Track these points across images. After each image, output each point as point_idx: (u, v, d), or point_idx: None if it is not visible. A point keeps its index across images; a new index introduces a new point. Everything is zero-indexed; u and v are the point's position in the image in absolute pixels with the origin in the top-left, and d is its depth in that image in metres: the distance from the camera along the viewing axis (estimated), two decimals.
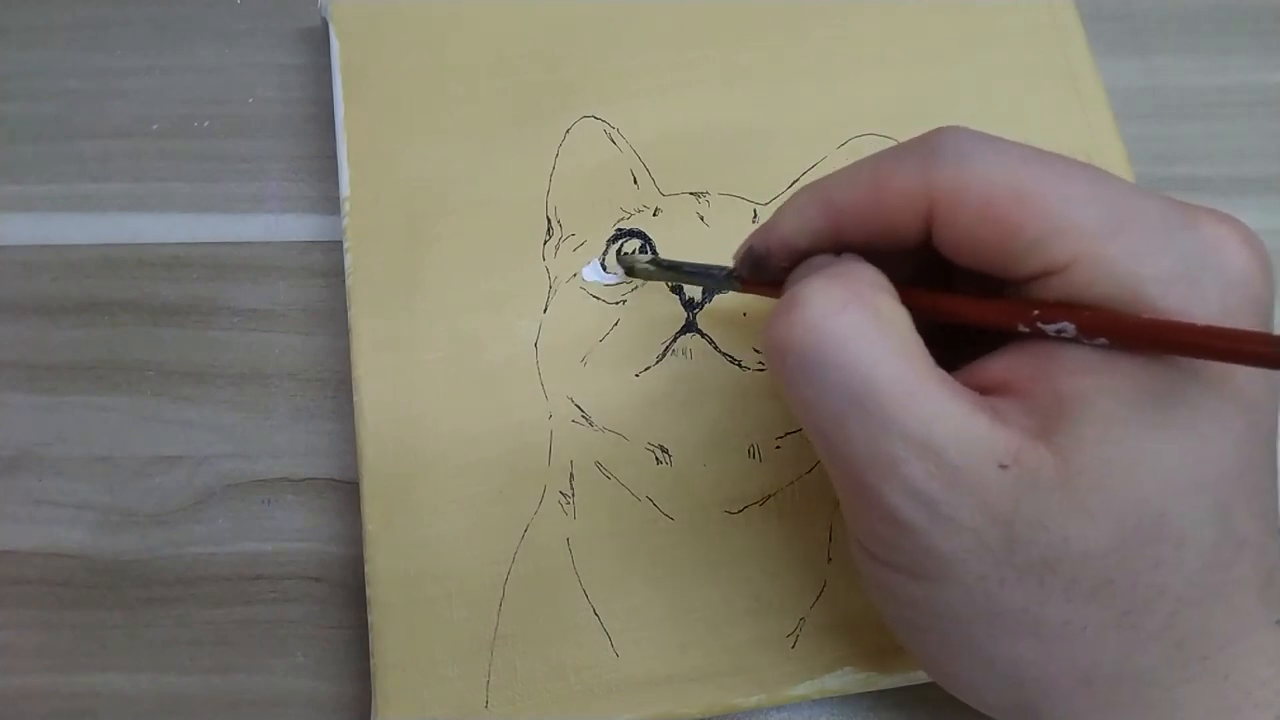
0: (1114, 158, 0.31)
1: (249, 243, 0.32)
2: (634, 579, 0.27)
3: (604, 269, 0.29)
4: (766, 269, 0.22)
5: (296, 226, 0.32)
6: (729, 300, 0.29)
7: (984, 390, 0.20)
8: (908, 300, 0.20)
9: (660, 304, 0.29)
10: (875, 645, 0.27)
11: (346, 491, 0.29)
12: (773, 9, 0.33)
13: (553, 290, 0.29)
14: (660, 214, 0.30)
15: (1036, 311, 0.18)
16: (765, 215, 0.30)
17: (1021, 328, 0.19)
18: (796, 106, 0.31)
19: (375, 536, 0.27)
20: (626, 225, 0.30)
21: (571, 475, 0.28)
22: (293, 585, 0.29)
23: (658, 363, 0.28)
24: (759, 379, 0.28)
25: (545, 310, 0.29)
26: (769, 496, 0.28)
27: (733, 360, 0.28)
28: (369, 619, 0.26)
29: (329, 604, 0.28)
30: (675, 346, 0.28)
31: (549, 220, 0.30)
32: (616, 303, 0.29)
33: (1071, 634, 0.18)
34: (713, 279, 0.25)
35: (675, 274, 0.27)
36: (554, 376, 0.28)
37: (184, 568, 0.29)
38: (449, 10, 0.32)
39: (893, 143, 0.30)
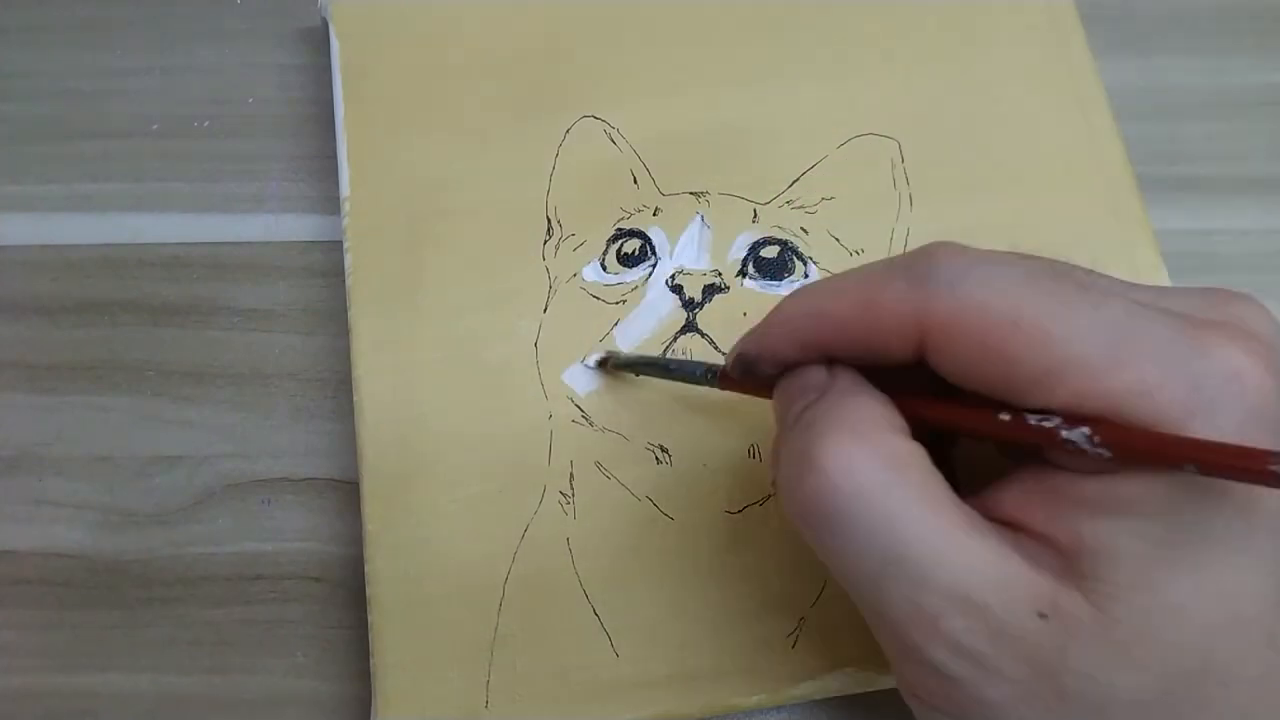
0: (1114, 158, 0.31)
1: (249, 243, 0.32)
2: (634, 579, 0.27)
3: (604, 269, 0.29)
4: (757, 375, 0.22)
5: (296, 226, 0.32)
6: (729, 300, 0.29)
7: (1001, 524, 0.19)
8: (912, 410, 0.20)
9: (660, 304, 0.29)
10: (875, 645, 0.26)
11: (346, 491, 0.29)
12: (773, 9, 0.33)
13: (553, 290, 0.29)
14: (660, 214, 0.30)
15: (1058, 421, 0.17)
16: (765, 215, 0.30)
17: (1003, 416, 0.18)
18: (796, 106, 0.31)
19: (375, 536, 0.27)
20: (626, 225, 0.30)
21: (571, 475, 0.28)
22: (293, 585, 0.29)
23: None
24: None
25: (545, 310, 0.29)
26: (769, 496, 0.28)
27: None
28: (369, 619, 0.26)
29: (329, 604, 0.28)
30: (675, 346, 0.28)
31: (549, 220, 0.30)
32: (616, 303, 0.29)
33: None
34: (695, 376, 0.25)
35: (658, 370, 0.27)
36: (554, 376, 0.28)
37: (184, 568, 0.29)
38: (449, 10, 0.32)
39: (893, 143, 0.31)
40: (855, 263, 0.29)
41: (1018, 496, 0.19)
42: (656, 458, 0.28)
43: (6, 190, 0.32)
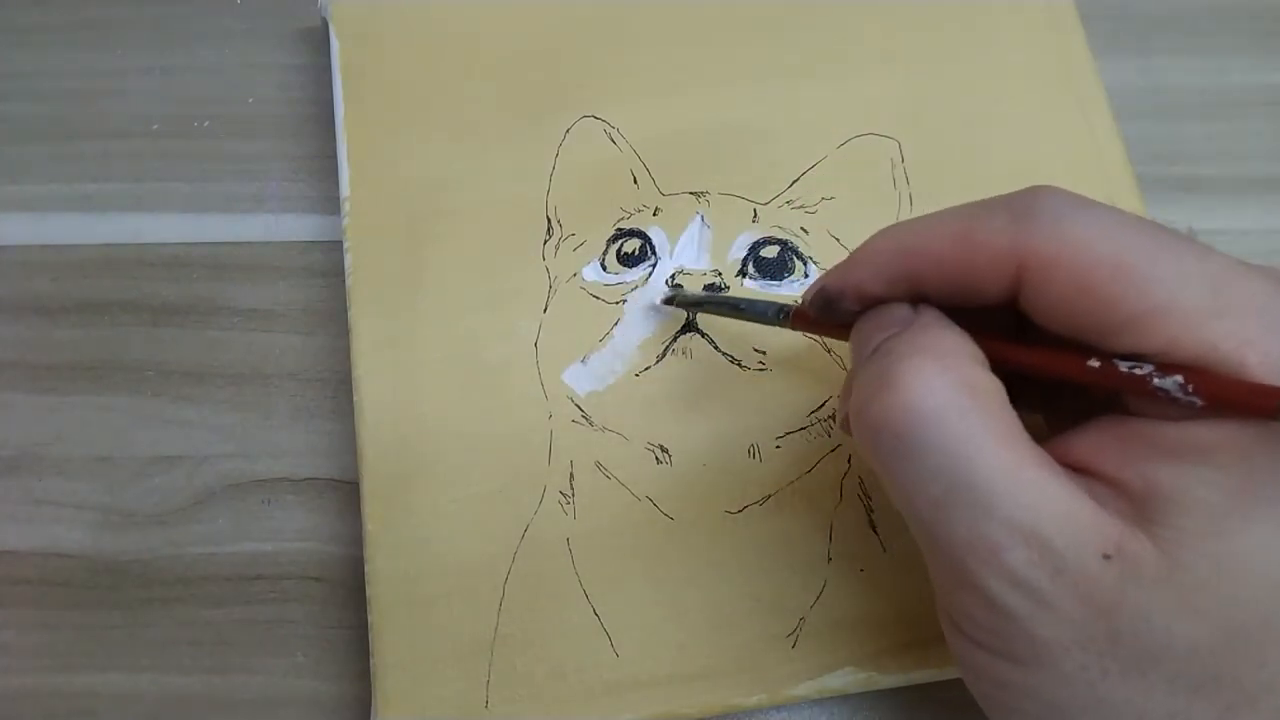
0: (1114, 158, 0.31)
1: (249, 243, 0.32)
2: (634, 579, 0.27)
3: (604, 269, 0.29)
4: (836, 312, 0.22)
5: (296, 226, 0.32)
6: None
7: (1075, 469, 0.19)
8: (995, 353, 0.20)
9: (660, 304, 0.29)
10: (875, 645, 0.27)
11: (346, 491, 0.29)
12: (773, 9, 0.33)
13: (553, 290, 0.29)
14: (660, 214, 0.30)
15: (1149, 369, 0.17)
16: (765, 215, 0.30)
17: (1092, 363, 0.18)
18: (796, 106, 0.31)
19: (375, 536, 0.27)
20: (626, 225, 0.30)
21: (571, 475, 0.28)
22: (293, 585, 0.29)
23: (658, 363, 0.28)
24: (759, 379, 0.28)
25: (545, 310, 0.29)
26: (769, 496, 0.28)
27: (733, 360, 0.28)
28: (369, 619, 0.26)
29: (329, 604, 0.28)
30: (675, 346, 0.28)
31: (549, 220, 0.30)
32: (616, 303, 0.29)
33: None
34: (766, 316, 0.25)
35: (728, 309, 0.27)
36: (554, 376, 0.28)
37: (184, 568, 0.29)
38: (449, 10, 0.32)
39: (893, 143, 0.31)
40: None
41: (1092, 442, 0.19)
42: (656, 458, 0.28)
43: (6, 190, 0.32)
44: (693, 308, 0.28)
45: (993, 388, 0.19)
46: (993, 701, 0.20)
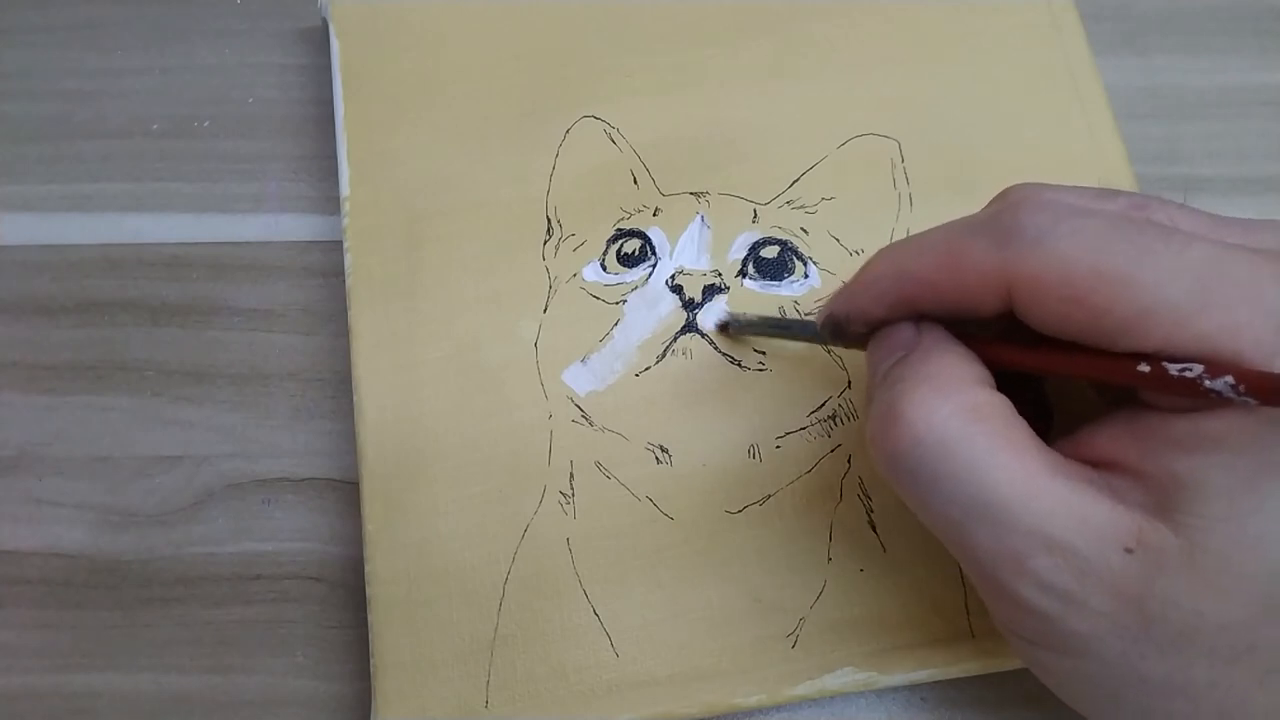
0: (1114, 158, 0.31)
1: (249, 243, 0.32)
2: (634, 579, 0.27)
3: (604, 269, 0.29)
4: (846, 335, 0.23)
5: (296, 226, 0.32)
6: (729, 300, 0.29)
7: (1094, 463, 0.20)
8: (1004, 358, 0.20)
9: (660, 304, 0.29)
10: (875, 645, 0.27)
11: (346, 491, 0.29)
12: (772, 9, 0.33)
13: (553, 290, 0.29)
14: (660, 214, 0.30)
15: (1199, 371, 0.18)
16: (765, 215, 0.30)
17: (1142, 367, 0.18)
18: (796, 106, 0.31)
19: (375, 536, 0.27)
20: (626, 225, 0.30)
21: (571, 475, 0.28)
22: (293, 585, 0.29)
23: (658, 363, 0.28)
24: (759, 379, 0.28)
25: (545, 310, 0.29)
26: (769, 496, 0.28)
27: (733, 360, 0.28)
28: (369, 619, 0.26)
29: (329, 604, 0.28)
30: (675, 346, 0.28)
31: (549, 220, 0.30)
32: (616, 303, 0.29)
33: (1219, 692, 0.19)
34: (815, 336, 0.26)
35: (780, 332, 0.28)
36: (554, 376, 0.28)
37: (184, 568, 0.29)
38: (449, 10, 0.32)
39: (893, 143, 0.31)
40: (855, 263, 0.29)
41: (1112, 436, 0.20)
42: (656, 458, 0.28)
43: (6, 190, 0.32)
44: (745, 333, 0.28)
45: (997, 405, 0.20)
46: (1055, 685, 0.22)
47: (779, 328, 0.28)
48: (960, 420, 0.19)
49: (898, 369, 0.21)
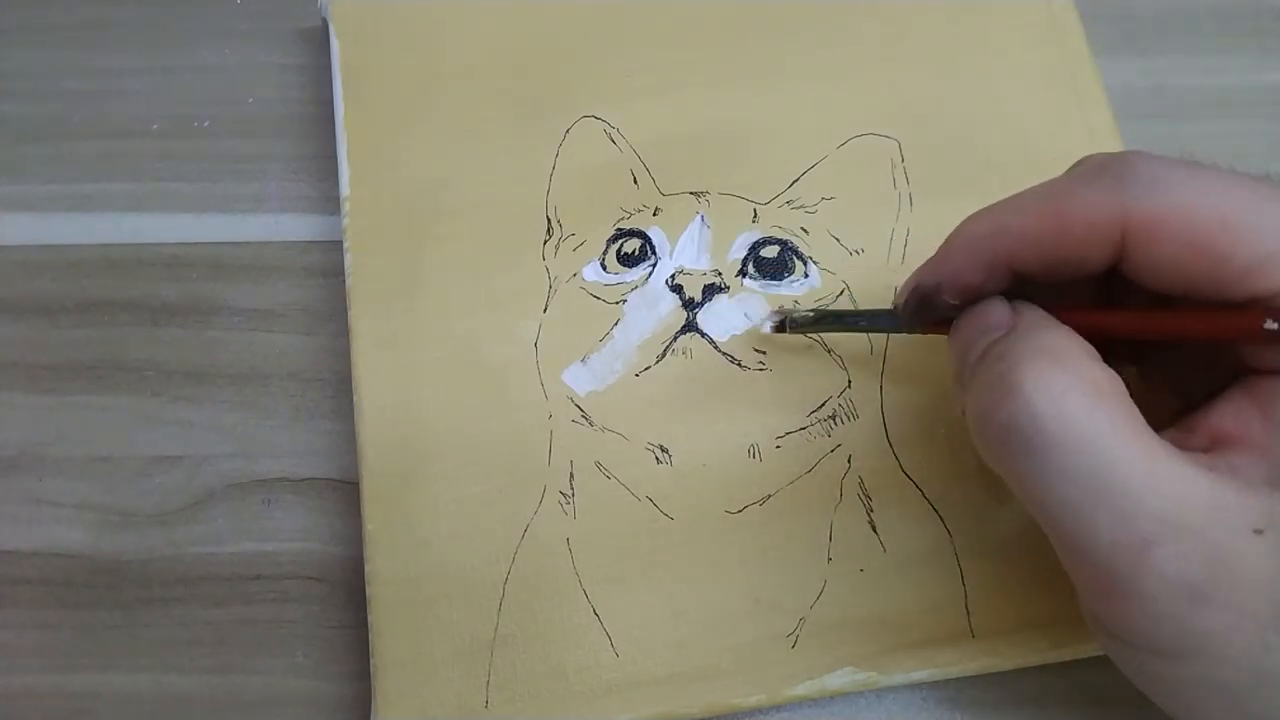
0: None
1: (249, 243, 0.32)
2: (634, 579, 0.27)
3: (604, 269, 0.29)
4: (934, 308, 0.22)
5: (296, 226, 0.32)
6: (729, 300, 0.29)
7: (1212, 444, 0.19)
8: (1111, 324, 0.20)
9: (660, 304, 0.29)
10: (875, 645, 0.27)
11: (346, 491, 0.29)
12: (773, 9, 0.33)
13: (553, 290, 0.29)
14: (660, 214, 0.30)
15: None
16: (765, 215, 0.30)
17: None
18: (796, 106, 0.31)
19: (375, 536, 0.27)
20: (626, 225, 0.30)
21: (571, 475, 0.28)
22: (293, 585, 0.29)
23: (658, 362, 0.28)
24: (759, 379, 0.28)
25: (545, 310, 0.29)
26: (769, 496, 0.28)
27: (733, 360, 0.28)
28: (369, 619, 0.26)
29: (329, 604, 0.28)
30: (675, 346, 0.28)
31: (549, 220, 0.30)
32: (616, 303, 0.29)
33: None
34: (883, 325, 0.25)
35: (836, 324, 0.27)
36: (554, 376, 0.28)
37: (184, 568, 0.29)
38: (449, 10, 0.32)
39: (893, 143, 0.31)
40: (856, 262, 0.30)
41: (1231, 412, 0.19)
42: (656, 458, 0.28)
43: (6, 190, 0.32)
44: (803, 330, 0.28)
45: (1116, 383, 0.19)
46: (1155, 690, 0.20)
47: (839, 320, 0.27)
48: (1080, 394, 0.18)
49: (1001, 345, 0.20)
